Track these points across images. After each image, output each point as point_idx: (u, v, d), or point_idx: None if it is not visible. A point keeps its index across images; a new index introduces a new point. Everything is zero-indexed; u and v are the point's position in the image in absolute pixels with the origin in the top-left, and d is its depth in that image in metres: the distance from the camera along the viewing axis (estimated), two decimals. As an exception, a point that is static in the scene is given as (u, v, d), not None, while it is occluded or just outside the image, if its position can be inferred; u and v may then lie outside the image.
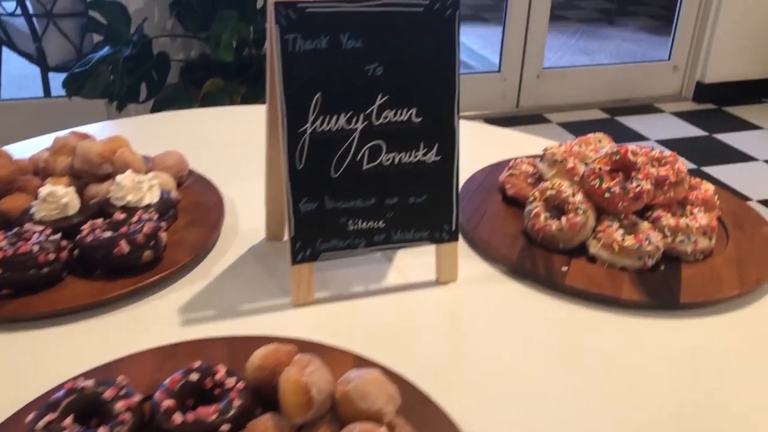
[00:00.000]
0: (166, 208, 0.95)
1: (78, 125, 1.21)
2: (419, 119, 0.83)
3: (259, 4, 2.75)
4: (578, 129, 3.64)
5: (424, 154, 0.84)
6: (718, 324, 0.85)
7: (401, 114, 0.82)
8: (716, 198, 1.03)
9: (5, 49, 3.49)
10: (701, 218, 0.96)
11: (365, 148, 0.82)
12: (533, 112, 3.90)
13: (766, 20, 3.87)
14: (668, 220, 0.96)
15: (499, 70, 3.91)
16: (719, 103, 3.98)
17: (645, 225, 0.95)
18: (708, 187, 1.03)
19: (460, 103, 0.84)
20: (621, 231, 0.93)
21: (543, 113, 3.92)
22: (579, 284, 0.89)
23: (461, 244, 0.99)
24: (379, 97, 0.81)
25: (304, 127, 0.79)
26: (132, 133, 1.14)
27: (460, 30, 0.82)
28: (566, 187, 0.97)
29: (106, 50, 2.52)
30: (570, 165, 1.01)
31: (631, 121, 3.82)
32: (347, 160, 0.82)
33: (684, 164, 1.01)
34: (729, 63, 3.93)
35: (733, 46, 3.89)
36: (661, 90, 4.08)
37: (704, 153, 3.39)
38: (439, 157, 0.85)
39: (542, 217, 0.95)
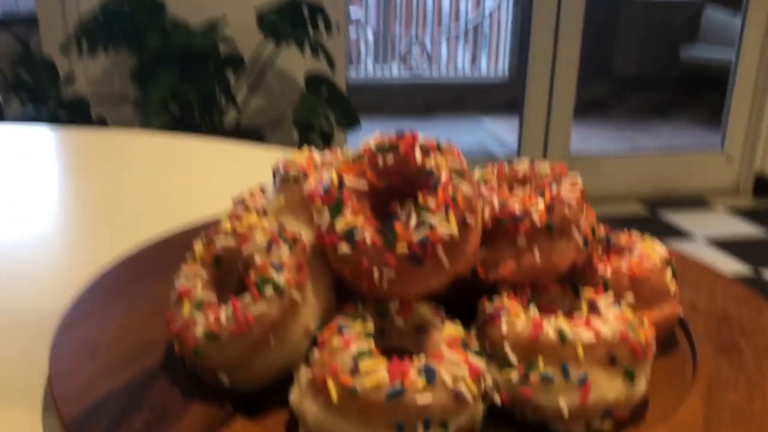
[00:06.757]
0: None
1: None
2: None
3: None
4: (613, 224, 3.01)
5: None
6: None
7: None
8: (671, 277, 0.43)
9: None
10: (610, 317, 0.36)
11: None
12: (556, 203, 3.31)
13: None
14: (514, 321, 0.36)
15: (517, 157, 3.38)
16: (786, 197, 3.30)
17: (447, 333, 0.36)
18: (650, 251, 0.44)
19: None
20: (367, 345, 0.34)
21: (570, 205, 3.31)
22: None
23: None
24: None
25: None
26: None
27: None
28: (261, 233, 0.39)
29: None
30: (313, 185, 0.43)
31: (677, 217, 3.17)
32: None
33: (579, 185, 0.42)
34: (796, 151, 3.28)
35: (801, 131, 3.25)
36: (713, 182, 3.44)
37: (767, 255, 2.70)
38: None
39: (187, 307, 0.38)
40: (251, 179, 0.72)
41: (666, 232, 2.94)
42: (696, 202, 3.32)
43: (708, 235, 2.91)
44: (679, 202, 3.31)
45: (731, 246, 2.79)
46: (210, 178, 0.82)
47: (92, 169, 0.86)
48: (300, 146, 2.55)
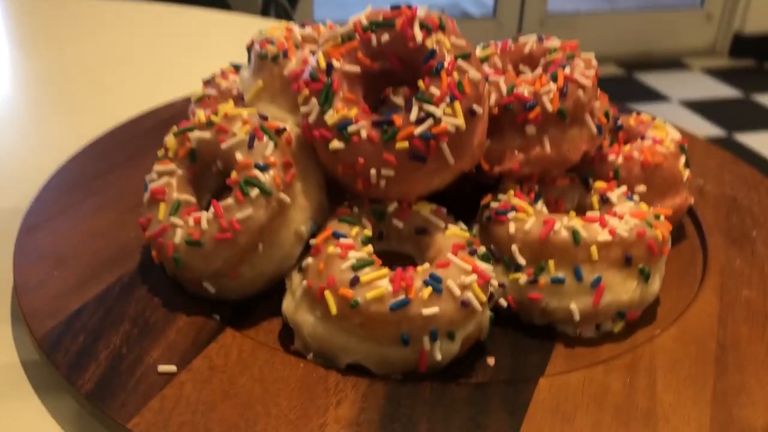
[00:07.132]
0: None
1: None
2: None
3: None
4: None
5: None
6: None
7: None
8: (684, 164, 0.40)
9: None
10: (625, 213, 0.34)
11: None
12: (531, 66, 3.23)
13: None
14: (523, 220, 0.34)
15: (494, 16, 3.25)
16: (761, 58, 3.25)
17: (451, 235, 0.33)
18: (663, 135, 0.40)
19: None
20: (363, 253, 0.31)
21: (545, 68, 3.23)
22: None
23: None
24: None
25: None
26: None
27: None
28: (240, 127, 0.34)
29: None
30: (295, 67, 0.38)
31: (653, 79, 3.12)
32: None
33: (594, 66, 0.38)
34: (776, 9, 3.20)
35: (783, -12, 3.16)
36: (691, 42, 3.37)
37: (740, 117, 2.69)
38: None
39: (162, 211, 0.34)
40: (218, 52, 0.66)
41: (642, 94, 2.91)
42: (673, 63, 3.27)
43: (683, 97, 2.88)
44: (656, 63, 3.25)
45: (706, 108, 2.77)
46: (174, 50, 0.76)
47: (42, 41, 0.78)
48: (264, 9, 2.40)
